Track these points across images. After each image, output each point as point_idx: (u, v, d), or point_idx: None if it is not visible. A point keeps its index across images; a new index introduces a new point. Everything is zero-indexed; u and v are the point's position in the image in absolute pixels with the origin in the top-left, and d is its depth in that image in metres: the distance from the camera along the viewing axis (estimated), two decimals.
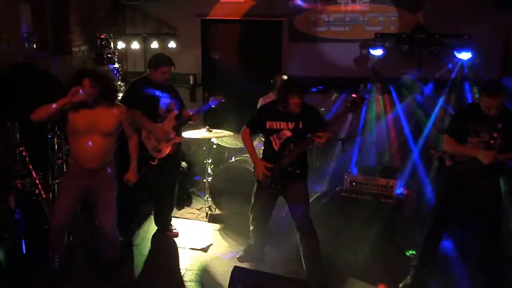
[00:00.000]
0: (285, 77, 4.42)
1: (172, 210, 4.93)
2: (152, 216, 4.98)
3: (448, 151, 3.54)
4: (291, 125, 3.78)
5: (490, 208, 3.46)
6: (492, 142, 3.32)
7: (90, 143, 3.54)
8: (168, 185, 4.66)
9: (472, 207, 3.54)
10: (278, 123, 3.81)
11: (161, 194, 4.69)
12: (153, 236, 4.83)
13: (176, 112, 4.47)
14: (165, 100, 4.41)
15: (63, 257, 3.81)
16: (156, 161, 4.39)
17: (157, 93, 4.36)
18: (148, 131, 4.31)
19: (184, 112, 4.58)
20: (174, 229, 4.87)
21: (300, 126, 3.78)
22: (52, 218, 3.74)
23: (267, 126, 3.84)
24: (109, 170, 3.72)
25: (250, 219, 4.18)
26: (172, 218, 4.99)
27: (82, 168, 3.59)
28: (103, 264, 3.95)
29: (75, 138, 3.58)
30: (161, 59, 4.37)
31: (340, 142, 5.33)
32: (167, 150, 4.42)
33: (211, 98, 4.69)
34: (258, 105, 5.30)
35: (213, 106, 4.80)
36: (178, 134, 4.54)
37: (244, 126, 4.01)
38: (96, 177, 3.65)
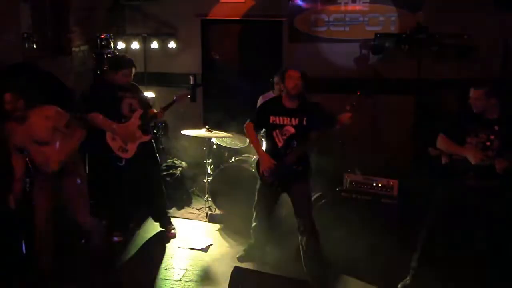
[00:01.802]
0: None
1: (165, 207, 4.91)
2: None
3: (442, 149, 3.56)
4: (294, 121, 3.78)
5: (485, 211, 3.46)
6: (488, 143, 3.33)
7: (38, 153, 3.58)
8: (150, 184, 4.66)
9: (468, 208, 3.54)
10: (281, 118, 3.81)
11: (147, 194, 4.70)
12: (153, 236, 4.83)
13: (140, 111, 4.47)
14: (128, 100, 4.42)
15: (51, 257, 3.85)
16: (123, 162, 4.40)
17: (119, 94, 4.38)
18: (112, 132, 4.32)
19: (149, 110, 4.60)
20: (173, 229, 4.87)
21: (304, 122, 3.78)
22: (36, 218, 3.75)
23: (271, 121, 3.84)
24: (71, 164, 3.75)
25: (254, 215, 4.18)
26: (172, 218, 4.99)
27: (44, 171, 3.63)
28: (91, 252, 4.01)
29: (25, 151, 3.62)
30: (121, 62, 4.38)
31: (340, 141, 5.34)
32: (134, 150, 4.43)
33: (175, 96, 4.70)
34: (258, 103, 5.30)
35: (174, 103, 4.77)
36: (146, 133, 4.55)
37: (248, 121, 4.01)
38: (61, 175, 3.68)
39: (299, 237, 3.88)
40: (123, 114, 4.40)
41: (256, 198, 4.10)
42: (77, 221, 3.83)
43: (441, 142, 3.57)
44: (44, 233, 3.76)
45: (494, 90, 3.32)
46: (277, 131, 3.83)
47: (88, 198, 3.89)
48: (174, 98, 4.67)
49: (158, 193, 4.78)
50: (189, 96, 4.80)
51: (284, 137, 3.81)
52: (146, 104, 4.61)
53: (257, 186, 4.07)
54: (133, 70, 4.39)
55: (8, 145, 3.61)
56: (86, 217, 3.85)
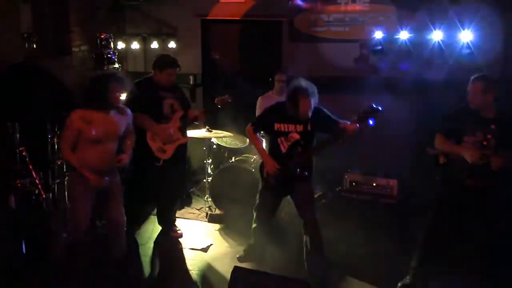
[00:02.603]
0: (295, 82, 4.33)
1: (176, 210, 4.94)
2: (153, 216, 4.98)
3: (440, 149, 3.57)
4: (299, 127, 3.77)
5: (483, 210, 3.47)
6: (485, 142, 3.34)
7: (105, 149, 3.56)
8: (174, 185, 4.65)
9: (465, 208, 3.55)
10: (286, 125, 3.80)
11: (166, 195, 4.69)
12: (153, 236, 4.83)
13: (181, 112, 4.45)
14: (169, 100, 4.38)
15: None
16: (161, 162, 4.38)
17: (162, 94, 4.34)
18: (152, 132, 4.30)
19: (189, 112, 4.56)
20: (179, 229, 4.86)
21: (309, 128, 3.78)
22: (77, 226, 3.66)
23: (276, 128, 3.83)
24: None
25: (254, 217, 4.17)
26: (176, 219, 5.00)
27: (95, 172, 3.57)
28: (111, 262, 3.92)
29: (88, 147, 3.54)
30: (166, 61, 4.35)
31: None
32: (172, 151, 4.40)
33: (216, 99, 4.67)
34: (257, 104, 5.29)
35: (219, 107, 4.78)
36: (184, 135, 4.53)
37: (249, 124, 4.00)
38: (109, 175, 3.66)
39: (304, 237, 3.87)
40: (164, 115, 4.35)
41: (258, 200, 4.09)
42: (111, 222, 3.79)
43: (439, 142, 3.58)
44: (83, 238, 3.68)
45: (491, 85, 3.31)
46: (282, 138, 3.82)
47: (122, 197, 3.86)
48: (216, 101, 4.66)
49: (178, 195, 4.80)
50: (230, 101, 4.77)
51: (289, 143, 3.80)
52: (187, 105, 4.57)
53: (259, 188, 4.07)
54: (177, 70, 4.37)
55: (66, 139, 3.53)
56: (124, 222, 3.81)
